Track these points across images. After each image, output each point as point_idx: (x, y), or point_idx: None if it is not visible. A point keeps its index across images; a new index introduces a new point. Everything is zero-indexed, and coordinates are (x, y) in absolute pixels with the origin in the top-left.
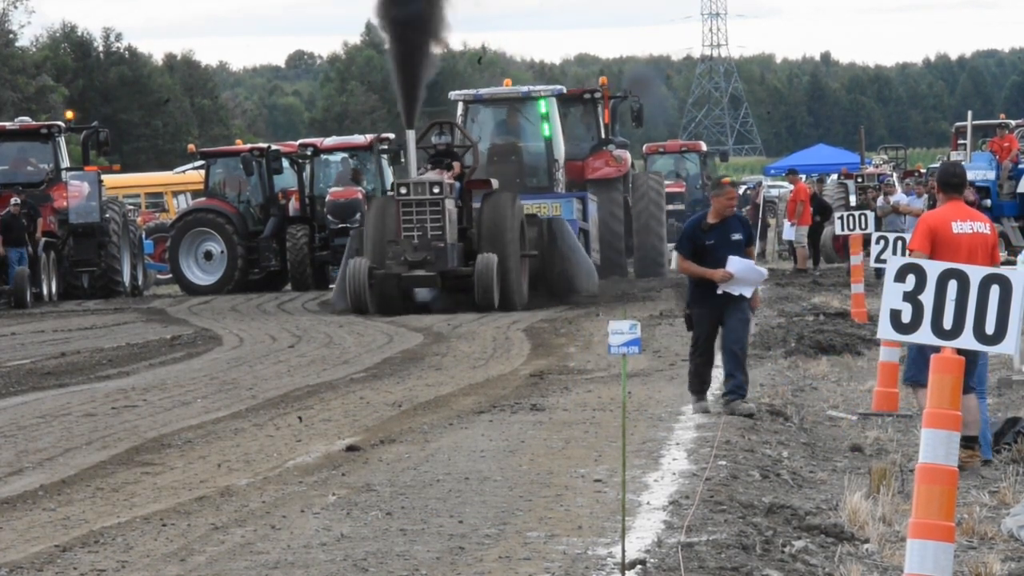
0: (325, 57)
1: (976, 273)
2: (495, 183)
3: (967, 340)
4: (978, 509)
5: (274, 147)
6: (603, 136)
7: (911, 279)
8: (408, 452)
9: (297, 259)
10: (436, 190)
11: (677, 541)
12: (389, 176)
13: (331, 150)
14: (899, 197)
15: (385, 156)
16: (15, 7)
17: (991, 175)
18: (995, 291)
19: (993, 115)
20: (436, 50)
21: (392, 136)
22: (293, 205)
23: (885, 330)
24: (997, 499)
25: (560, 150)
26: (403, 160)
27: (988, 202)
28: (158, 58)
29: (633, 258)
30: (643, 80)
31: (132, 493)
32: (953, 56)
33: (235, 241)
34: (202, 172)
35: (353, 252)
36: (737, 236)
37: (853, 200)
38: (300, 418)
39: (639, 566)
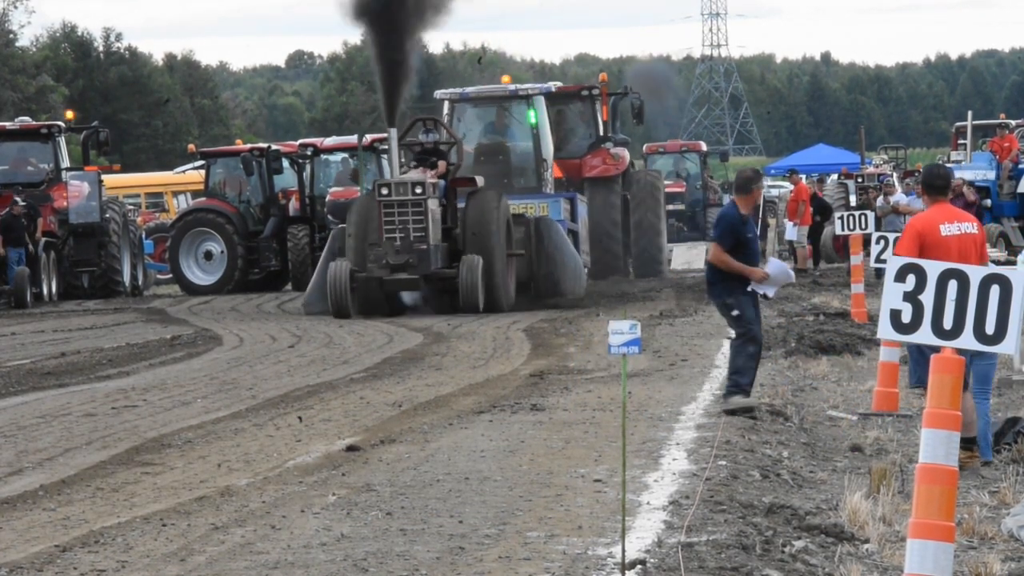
0: (325, 57)
1: (976, 273)
2: (480, 181)
3: (967, 340)
4: (978, 509)
5: (274, 147)
6: (601, 134)
7: (911, 279)
8: (408, 452)
9: (299, 259)
10: (418, 190)
11: (677, 541)
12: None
13: (331, 150)
14: (899, 197)
15: (385, 156)
16: (15, 7)
17: (991, 175)
18: (995, 291)
19: (993, 115)
20: (420, 47)
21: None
22: (293, 205)
23: (885, 330)
24: (997, 499)
25: (548, 150)
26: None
27: (988, 202)
28: (158, 58)
29: (631, 257)
30: (657, 77)
31: (132, 493)
32: (953, 56)
33: (235, 241)
34: (202, 172)
35: (332, 253)
36: (755, 229)
37: (853, 200)
38: (300, 418)
39: (639, 566)
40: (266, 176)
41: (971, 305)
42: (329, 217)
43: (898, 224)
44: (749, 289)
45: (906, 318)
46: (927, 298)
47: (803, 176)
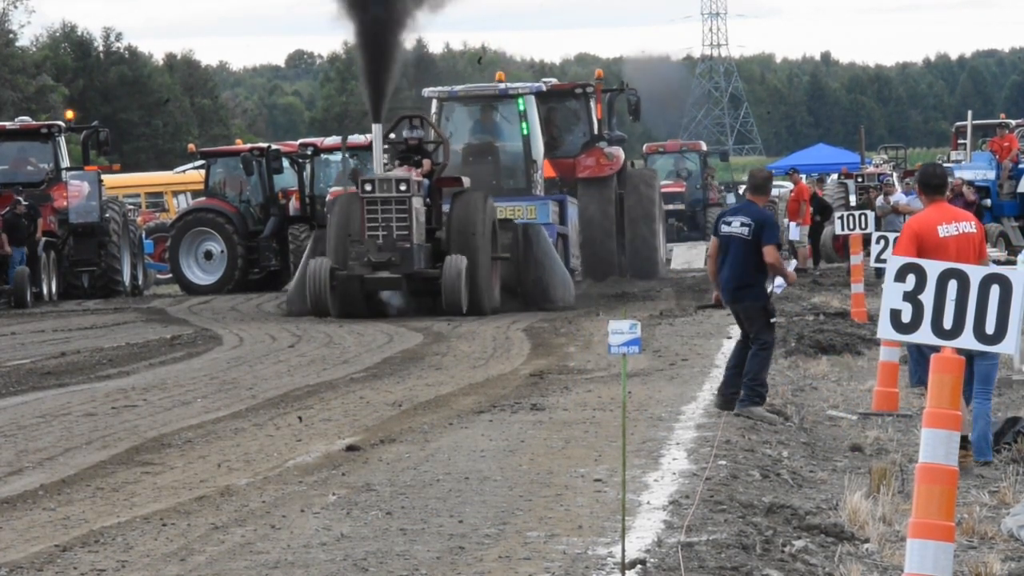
0: (325, 57)
1: (976, 273)
2: (467, 182)
3: (967, 340)
4: (978, 509)
5: (274, 147)
6: (596, 132)
7: (911, 279)
8: (408, 452)
9: (299, 259)
10: (403, 187)
11: (677, 541)
12: None
13: (331, 150)
14: (899, 197)
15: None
16: (15, 7)
17: (991, 175)
18: (995, 291)
19: (993, 115)
20: (407, 42)
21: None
22: (293, 205)
23: (885, 330)
24: (997, 499)
25: (539, 150)
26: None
27: (988, 202)
28: (158, 58)
29: (625, 256)
30: (669, 83)
31: (132, 493)
32: (953, 56)
33: (235, 241)
34: (202, 172)
35: (314, 252)
36: None
37: (853, 200)
38: (300, 418)
39: (639, 566)
40: (266, 176)
41: (971, 305)
42: (329, 217)
43: (898, 224)
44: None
45: (906, 318)
46: (927, 298)
47: (803, 176)
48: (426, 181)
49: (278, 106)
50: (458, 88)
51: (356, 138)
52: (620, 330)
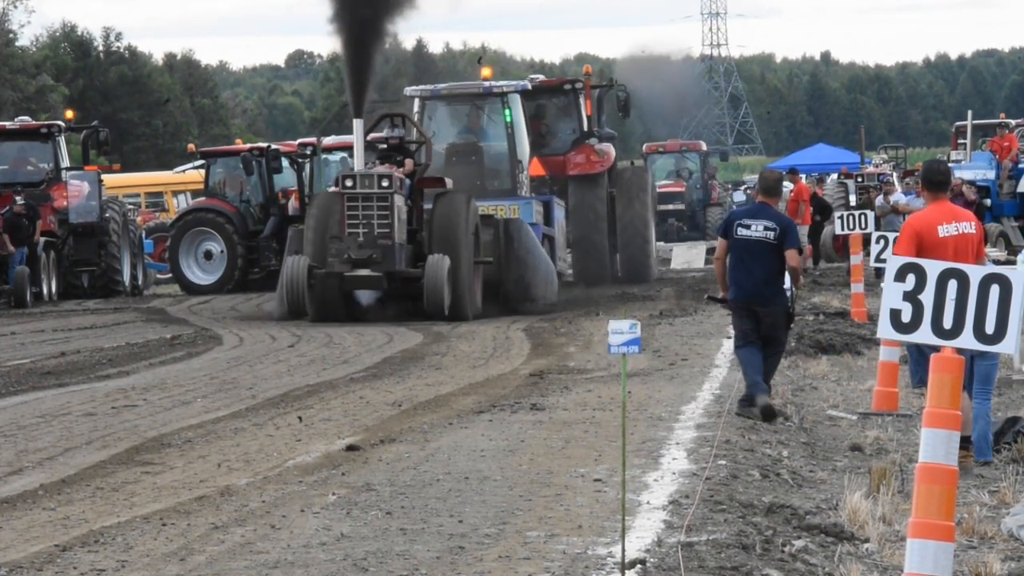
0: (325, 57)
1: (976, 273)
2: (449, 182)
3: (967, 340)
4: (978, 509)
5: (274, 147)
6: (585, 129)
7: (911, 279)
8: (408, 452)
9: None
10: (385, 183)
11: (677, 541)
12: None
13: (331, 149)
14: (899, 196)
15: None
16: (15, 7)
17: (991, 175)
18: (995, 291)
19: (993, 115)
20: (391, 36)
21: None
22: (293, 205)
23: (885, 330)
24: (997, 499)
25: (524, 150)
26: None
27: (988, 202)
28: (158, 58)
29: (618, 254)
30: (676, 85)
31: (132, 493)
32: (953, 56)
33: (235, 241)
34: (202, 172)
35: (291, 251)
36: None
37: (853, 200)
38: (300, 418)
39: (639, 566)
40: (266, 176)
41: (971, 305)
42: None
43: (897, 224)
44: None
45: (906, 318)
46: (927, 298)
47: (803, 176)
48: (408, 181)
49: (278, 106)
50: (441, 86)
51: (333, 139)
52: (620, 330)
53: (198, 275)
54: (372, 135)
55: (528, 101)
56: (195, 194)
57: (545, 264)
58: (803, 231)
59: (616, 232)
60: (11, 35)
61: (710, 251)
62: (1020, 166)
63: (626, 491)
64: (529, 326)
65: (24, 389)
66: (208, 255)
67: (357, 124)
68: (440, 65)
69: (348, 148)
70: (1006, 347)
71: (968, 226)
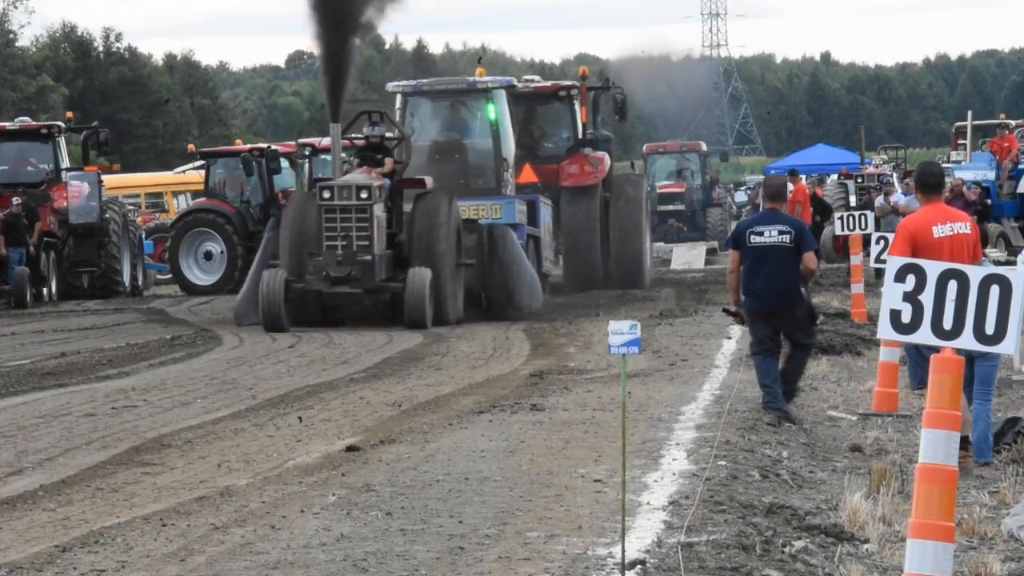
0: None
1: (976, 273)
2: (429, 182)
3: (967, 340)
4: (978, 509)
5: (273, 147)
6: (580, 136)
7: (911, 279)
8: (408, 452)
9: None
10: (364, 195)
11: (677, 541)
12: None
13: (329, 149)
14: (898, 197)
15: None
16: (15, 7)
17: (991, 175)
18: (995, 291)
19: (993, 115)
20: (367, 36)
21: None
22: None
23: (885, 330)
24: (997, 499)
25: (509, 149)
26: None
27: (988, 202)
28: (158, 58)
29: (611, 258)
30: (693, 86)
31: (132, 493)
32: (953, 56)
33: (235, 241)
34: (202, 172)
35: (267, 259)
36: None
37: (853, 200)
38: (300, 418)
39: (639, 566)
40: (266, 176)
41: (971, 305)
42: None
43: (897, 224)
44: None
45: (906, 318)
46: (927, 298)
47: (803, 176)
48: (387, 182)
49: (278, 106)
50: (423, 81)
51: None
52: (620, 330)
53: (198, 276)
54: (351, 134)
55: (521, 106)
56: (195, 195)
57: (530, 274)
58: None
59: (609, 239)
60: (11, 35)
61: (710, 252)
62: (1020, 167)
63: (626, 492)
64: (529, 326)
65: (24, 390)
66: (208, 256)
67: (334, 128)
68: (440, 65)
69: (347, 149)
70: (1006, 348)
71: (963, 226)
